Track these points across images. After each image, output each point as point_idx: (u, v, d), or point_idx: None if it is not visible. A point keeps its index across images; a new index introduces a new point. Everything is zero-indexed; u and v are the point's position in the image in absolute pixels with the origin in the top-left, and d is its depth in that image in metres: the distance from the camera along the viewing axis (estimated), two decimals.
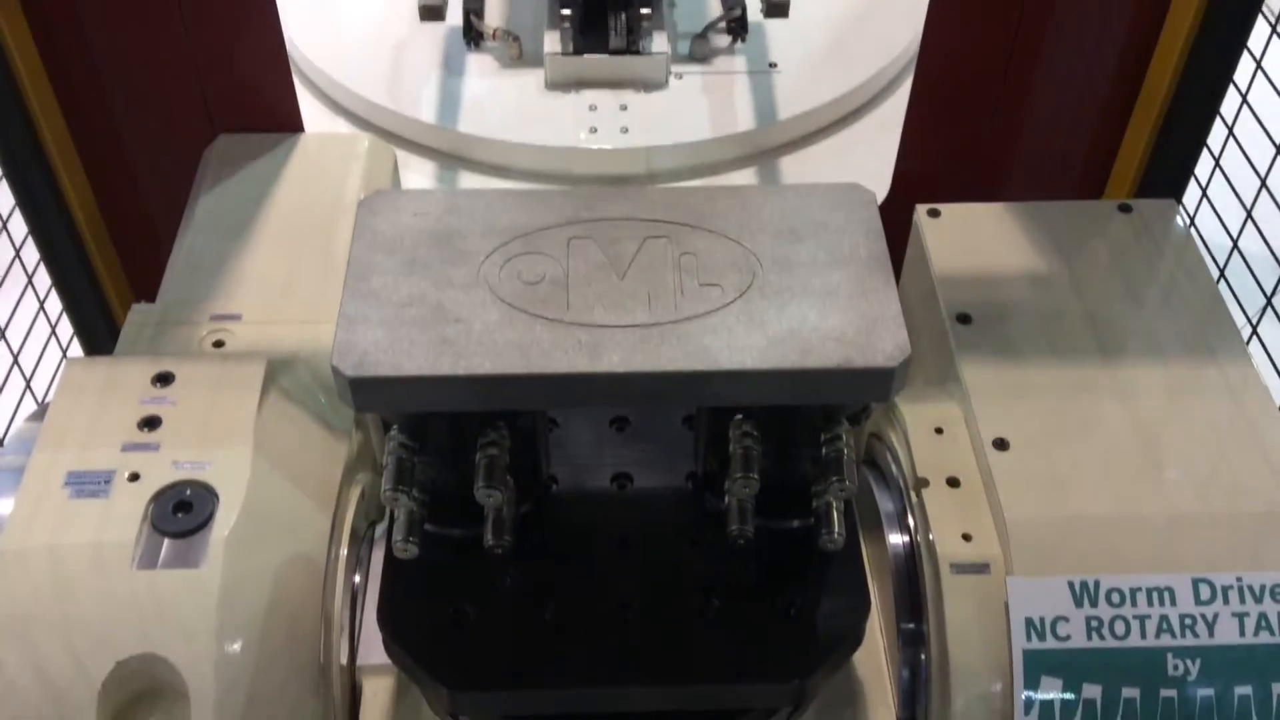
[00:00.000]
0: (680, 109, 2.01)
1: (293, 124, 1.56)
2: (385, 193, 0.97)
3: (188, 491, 0.99)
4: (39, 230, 1.61)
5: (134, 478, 1.00)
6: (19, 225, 1.62)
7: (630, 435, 1.06)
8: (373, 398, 0.86)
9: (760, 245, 0.91)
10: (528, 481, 0.98)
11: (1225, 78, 1.50)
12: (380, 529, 1.13)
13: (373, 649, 1.05)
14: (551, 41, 2.02)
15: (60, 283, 1.68)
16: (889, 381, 0.85)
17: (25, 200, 1.57)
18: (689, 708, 0.96)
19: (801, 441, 0.94)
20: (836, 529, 0.94)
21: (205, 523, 0.98)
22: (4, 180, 1.55)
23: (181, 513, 0.98)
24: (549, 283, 0.88)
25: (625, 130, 1.94)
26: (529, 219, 0.93)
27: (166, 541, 0.97)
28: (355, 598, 1.07)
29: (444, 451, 0.93)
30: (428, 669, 0.93)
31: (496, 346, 0.84)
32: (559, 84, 2.04)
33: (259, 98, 1.54)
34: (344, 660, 1.03)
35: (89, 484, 1.00)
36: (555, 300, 0.87)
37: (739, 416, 0.92)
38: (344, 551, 1.06)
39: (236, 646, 0.95)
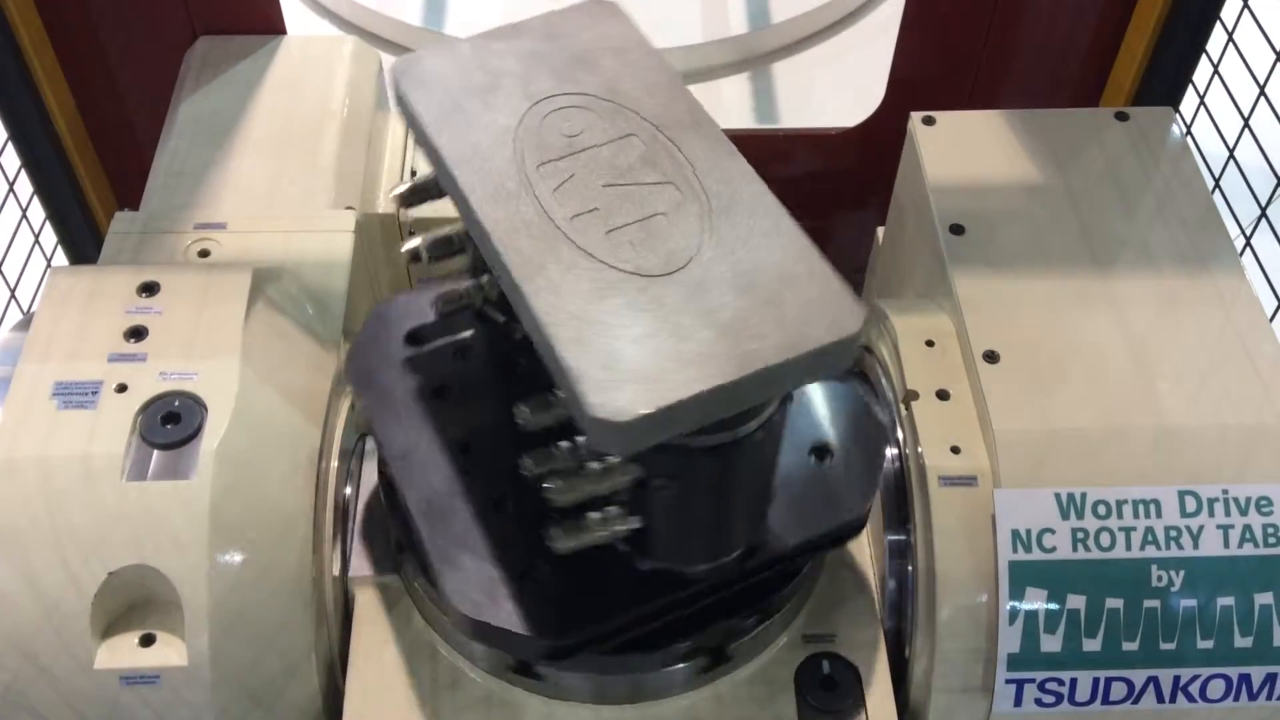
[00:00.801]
0: (673, 12, 1.97)
1: (275, 26, 1.53)
2: (607, 5, 1.02)
3: (176, 403, 0.99)
4: (19, 137, 1.58)
5: (121, 389, 1.00)
6: None
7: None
8: (397, 102, 0.91)
9: (714, 264, 0.84)
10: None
11: None
12: (370, 443, 1.13)
13: (364, 561, 1.06)
14: None
15: (42, 190, 1.66)
16: (595, 430, 0.76)
17: (4, 106, 1.54)
18: None
19: None
20: (556, 538, 0.91)
21: (194, 434, 0.98)
22: None
23: (170, 424, 0.98)
24: (567, 143, 0.88)
25: None
26: (643, 98, 0.92)
27: (156, 453, 0.97)
28: (346, 509, 1.07)
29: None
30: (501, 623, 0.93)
31: (465, 136, 0.87)
32: None
33: None
34: (336, 572, 1.04)
35: (76, 395, 1.00)
36: (547, 154, 0.87)
37: None
38: (334, 463, 1.07)
39: (228, 557, 0.95)
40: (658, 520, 0.90)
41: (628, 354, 0.76)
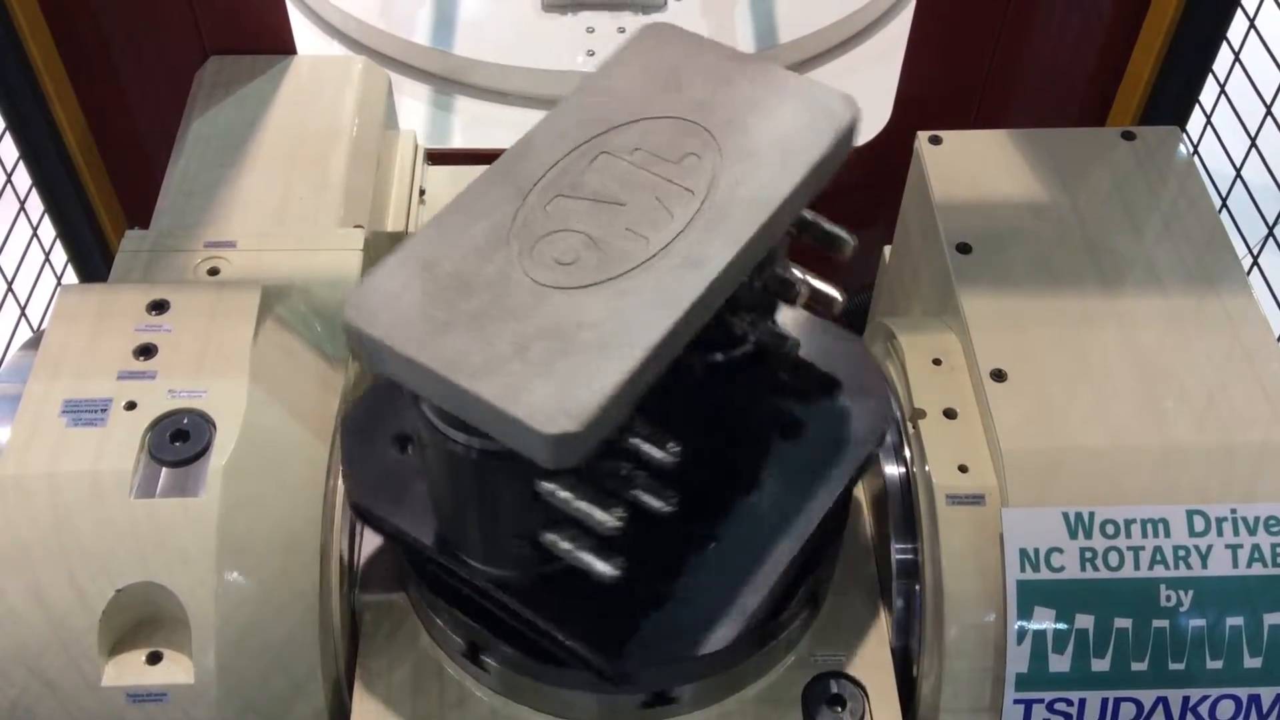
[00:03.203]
0: None
1: (285, 46, 1.54)
2: (359, 293, 0.82)
3: (185, 420, 0.99)
4: (31, 156, 1.59)
5: (130, 406, 1.00)
6: (10, 150, 1.60)
7: None
8: (596, 434, 0.77)
9: (670, 107, 0.91)
10: None
11: (1233, 1, 1.48)
12: None
13: (371, 578, 1.06)
14: None
15: (53, 208, 1.66)
16: (853, 134, 0.88)
17: (16, 125, 1.55)
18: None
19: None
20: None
21: (203, 451, 0.98)
22: None
23: (179, 441, 0.99)
24: (585, 249, 0.83)
25: None
26: (489, 220, 0.85)
27: (164, 470, 0.98)
28: (354, 526, 1.07)
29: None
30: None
31: (636, 318, 0.80)
32: (556, 5, 2.01)
33: (251, 19, 1.51)
34: (343, 589, 1.04)
35: (86, 412, 1.00)
36: (611, 257, 0.83)
37: None
38: (342, 480, 1.07)
39: (236, 574, 0.96)
40: None
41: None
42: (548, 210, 0.85)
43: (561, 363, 0.77)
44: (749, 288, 0.90)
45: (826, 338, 1.06)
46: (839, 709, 1.01)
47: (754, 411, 1.02)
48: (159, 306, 1.08)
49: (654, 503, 0.84)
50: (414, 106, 1.93)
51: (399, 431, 1.00)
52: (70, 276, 1.76)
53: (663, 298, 0.80)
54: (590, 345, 0.77)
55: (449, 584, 0.98)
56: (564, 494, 0.82)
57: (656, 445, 0.82)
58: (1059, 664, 0.98)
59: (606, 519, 0.81)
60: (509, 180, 0.87)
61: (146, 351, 1.04)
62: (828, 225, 0.93)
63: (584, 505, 0.82)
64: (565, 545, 0.85)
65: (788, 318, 1.03)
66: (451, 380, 0.76)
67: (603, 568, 0.83)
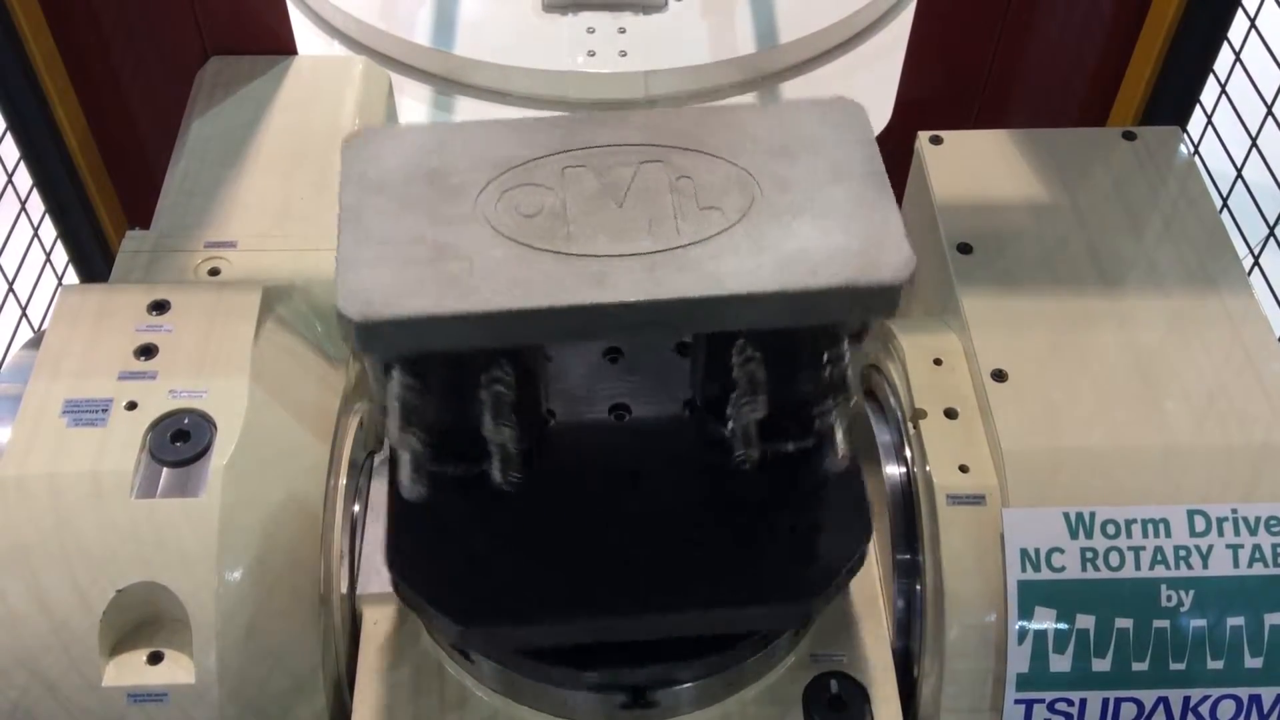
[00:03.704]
0: (679, 32, 1.98)
1: (286, 46, 1.54)
2: (369, 131, 0.94)
3: (185, 420, 1.00)
4: (32, 156, 1.59)
5: (131, 406, 1.00)
6: (11, 150, 1.60)
7: (624, 366, 1.06)
8: (381, 340, 0.83)
9: (756, 164, 0.89)
10: (529, 417, 0.98)
11: (1233, 1, 1.48)
12: (379, 458, 1.13)
13: (372, 578, 1.05)
14: None
15: (54, 208, 1.66)
16: (895, 296, 0.83)
17: (17, 125, 1.55)
18: (698, 633, 0.97)
19: (805, 363, 0.93)
20: (842, 448, 0.94)
21: (204, 452, 0.98)
22: None
23: (180, 442, 0.99)
24: (548, 214, 0.86)
25: (623, 54, 1.91)
26: (520, 150, 0.91)
27: (165, 470, 0.98)
28: (354, 527, 1.08)
29: (448, 391, 0.91)
30: (439, 608, 0.94)
31: (503, 282, 0.82)
32: (556, 5, 2.01)
33: (251, 19, 1.51)
34: (344, 589, 1.04)
35: (86, 412, 1.00)
36: (556, 232, 0.85)
37: (741, 340, 0.91)
38: (343, 481, 1.07)
39: (236, 575, 0.96)
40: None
41: (839, 242, 0.84)
42: (564, 172, 0.88)
43: (409, 270, 0.81)
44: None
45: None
46: (840, 709, 1.01)
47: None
48: (160, 307, 1.08)
49: (495, 469, 0.89)
50: (414, 107, 1.92)
51: None
52: (71, 277, 1.76)
53: (541, 287, 0.81)
54: (447, 274, 0.81)
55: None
56: (394, 385, 0.86)
57: (496, 417, 0.87)
58: (1060, 664, 0.98)
59: (394, 430, 0.87)
60: (568, 132, 0.91)
61: (147, 352, 1.04)
62: (849, 372, 0.91)
63: (394, 404, 0.86)
64: (399, 435, 0.88)
65: None
66: (339, 225, 0.86)
67: (403, 479, 0.89)
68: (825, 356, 0.92)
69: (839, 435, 0.94)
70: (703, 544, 0.97)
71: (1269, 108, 1.58)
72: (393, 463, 0.94)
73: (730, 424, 0.92)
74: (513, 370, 0.90)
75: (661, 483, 1.00)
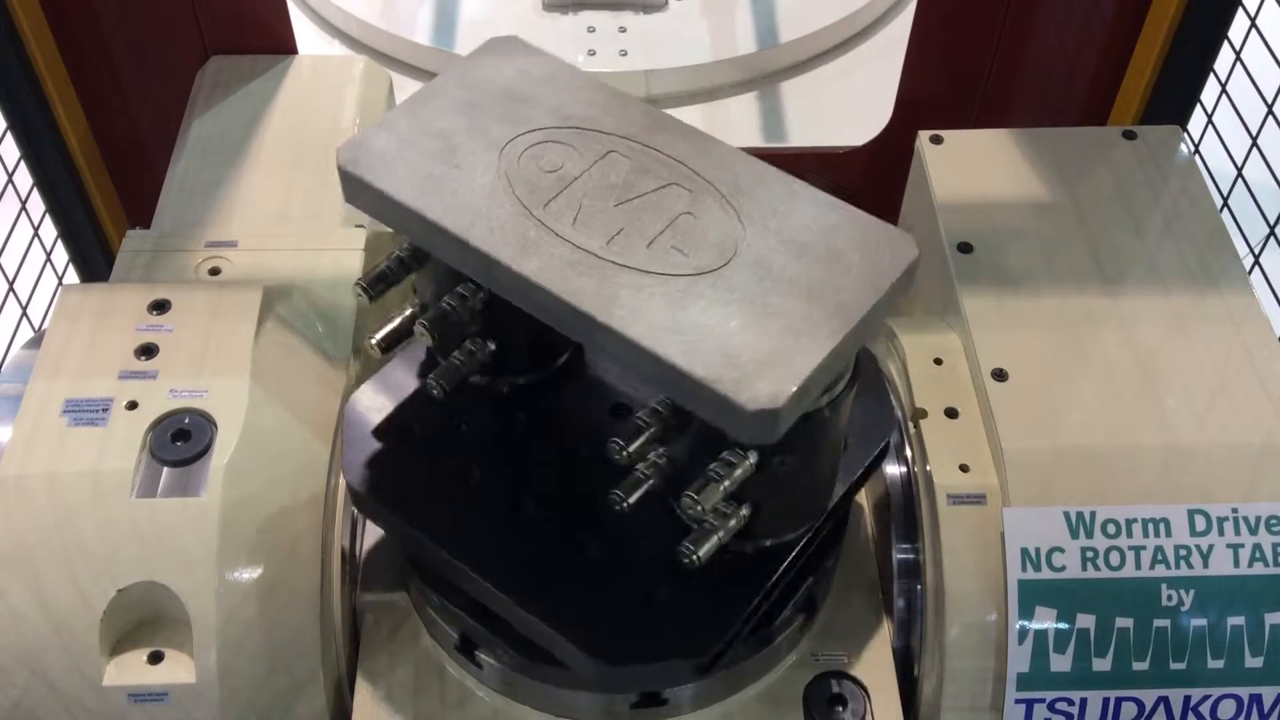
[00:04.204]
0: (680, 31, 1.98)
1: (286, 46, 1.54)
2: (511, 40, 1.00)
3: (186, 420, 1.00)
4: (32, 156, 1.59)
5: (132, 406, 1.00)
6: (12, 150, 1.60)
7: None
8: (354, 193, 0.90)
9: (760, 243, 0.85)
10: (517, 357, 0.99)
11: (1234, 1, 1.48)
12: None
13: (372, 578, 1.06)
14: None
15: (55, 208, 1.66)
16: (744, 421, 0.76)
17: (17, 124, 1.55)
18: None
19: (699, 448, 0.87)
20: (693, 552, 0.84)
21: (204, 451, 0.98)
22: None
23: (180, 441, 0.99)
24: (556, 178, 0.88)
25: (624, 53, 1.92)
26: (598, 116, 0.93)
27: (166, 470, 0.98)
28: (355, 526, 1.08)
29: (435, 285, 0.96)
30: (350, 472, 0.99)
31: (457, 202, 0.86)
32: (557, 4, 2.01)
33: (252, 19, 1.51)
34: (344, 589, 1.04)
35: (87, 412, 1.00)
36: (543, 195, 0.87)
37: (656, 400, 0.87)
38: (343, 480, 1.07)
39: (237, 574, 0.96)
40: (773, 497, 0.90)
41: (742, 346, 0.79)
42: (606, 155, 0.90)
43: (411, 154, 0.89)
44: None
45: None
46: (840, 709, 1.01)
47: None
48: (160, 306, 1.08)
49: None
50: None
51: None
52: (72, 276, 1.76)
53: (480, 223, 0.85)
54: (429, 173, 0.88)
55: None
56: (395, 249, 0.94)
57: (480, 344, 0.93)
58: (1060, 663, 0.98)
59: (423, 329, 0.93)
60: (648, 123, 0.93)
61: (148, 351, 1.04)
62: (723, 485, 0.84)
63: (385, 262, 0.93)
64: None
65: None
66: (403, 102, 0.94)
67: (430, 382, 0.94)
68: (720, 453, 0.85)
69: (700, 534, 0.86)
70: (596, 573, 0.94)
71: (1269, 107, 1.58)
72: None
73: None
74: (477, 292, 0.93)
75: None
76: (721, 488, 0.83)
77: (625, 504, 0.86)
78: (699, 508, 0.83)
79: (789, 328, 0.80)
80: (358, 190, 0.90)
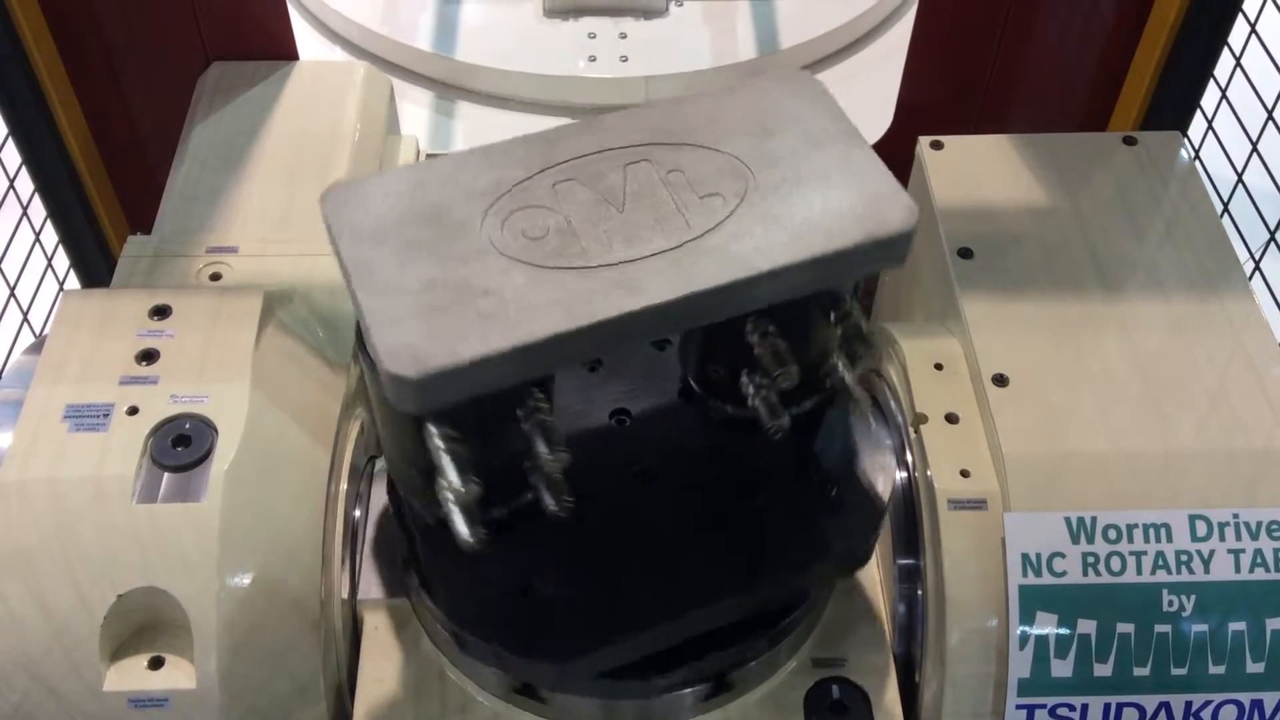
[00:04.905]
0: (680, 37, 1.98)
1: (287, 51, 1.54)
2: (345, 184, 0.89)
3: (187, 425, 1.00)
4: (33, 161, 1.59)
5: (133, 411, 1.00)
6: (13, 155, 1.60)
7: (606, 373, 1.06)
8: (438, 393, 0.78)
9: (738, 146, 0.90)
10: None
11: (1234, 6, 1.48)
12: (380, 464, 1.13)
13: (372, 584, 1.06)
14: None
15: (56, 213, 1.66)
16: (907, 244, 0.86)
17: (19, 130, 1.55)
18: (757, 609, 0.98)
19: (816, 324, 0.94)
20: (857, 393, 0.94)
21: (205, 456, 0.98)
22: None
23: (181, 446, 0.99)
24: (556, 233, 0.85)
25: (624, 59, 1.92)
26: (503, 174, 0.88)
27: (166, 475, 0.98)
28: (355, 532, 1.08)
29: (489, 431, 0.88)
30: (499, 641, 0.92)
31: (540, 308, 0.79)
32: (557, 11, 2.01)
33: (253, 24, 1.51)
34: (344, 594, 1.04)
35: (88, 417, 1.00)
36: (570, 248, 0.83)
37: (752, 318, 0.89)
38: (344, 486, 1.07)
39: (237, 580, 0.96)
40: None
41: (842, 206, 0.87)
42: (555, 188, 0.86)
43: (442, 316, 0.78)
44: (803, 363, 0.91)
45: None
46: (841, 714, 1.01)
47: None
48: (161, 312, 1.08)
49: (547, 499, 0.84)
50: (416, 112, 1.93)
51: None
52: (73, 282, 1.76)
53: (578, 305, 0.79)
54: (480, 312, 0.78)
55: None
56: (437, 440, 0.82)
57: (549, 444, 0.83)
58: (1061, 669, 0.98)
59: (455, 481, 0.81)
60: (545, 148, 0.89)
61: (148, 356, 1.04)
62: (862, 322, 0.93)
63: (446, 459, 0.81)
64: (443, 493, 0.83)
65: None
66: (352, 285, 0.80)
67: (463, 530, 0.82)
68: (833, 315, 0.93)
69: (853, 382, 0.94)
70: (742, 524, 0.97)
71: (1269, 112, 1.58)
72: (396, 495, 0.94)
73: (752, 400, 0.91)
74: (545, 396, 0.88)
75: (684, 474, 1.00)
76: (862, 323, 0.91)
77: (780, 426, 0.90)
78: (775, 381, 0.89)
79: (839, 170, 0.88)
80: (443, 386, 0.77)
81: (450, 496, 0.82)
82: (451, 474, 0.82)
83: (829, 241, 0.83)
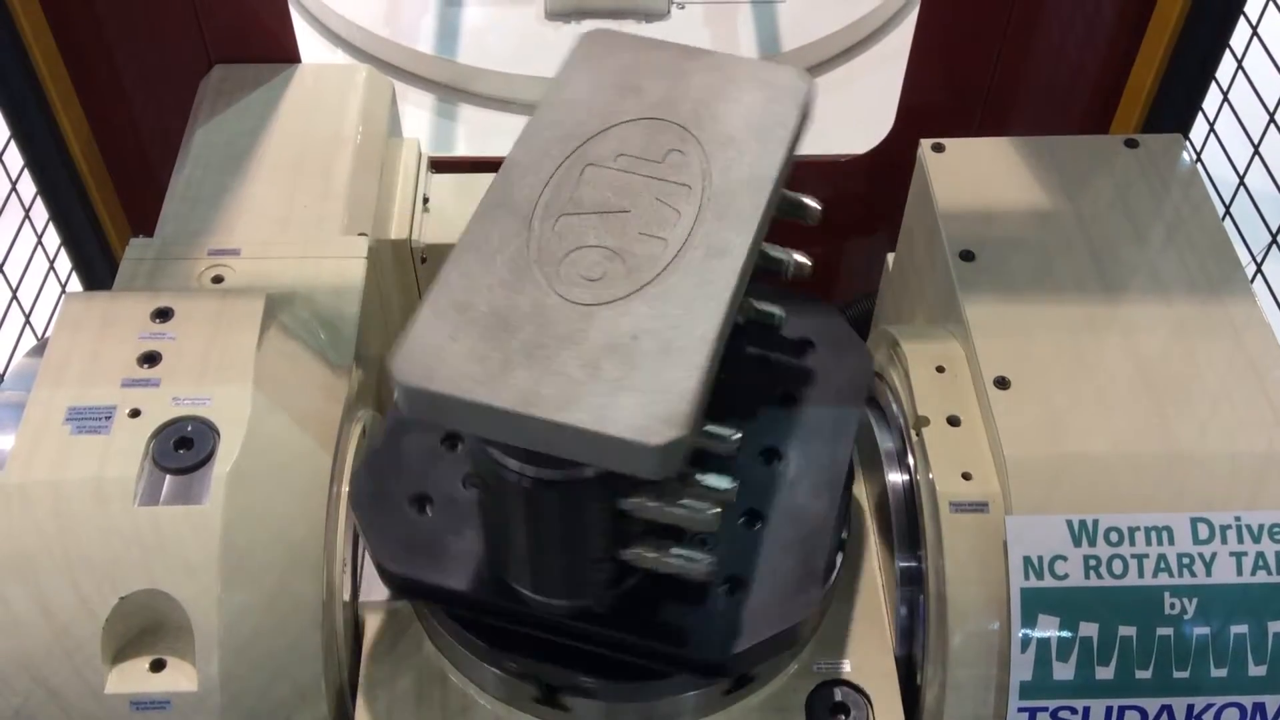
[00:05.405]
0: (682, 40, 1.98)
1: (289, 54, 1.54)
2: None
3: (189, 428, 1.00)
4: (35, 164, 1.59)
5: (135, 414, 1.00)
6: (15, 158, 1.60)
7: None
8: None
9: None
10: None
11: (1236, 8, 1.48)
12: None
13: (374, 586, 1.05)
14: None
15: (58, 216, 1.67)
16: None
17: (21, 133, 1.55)
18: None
19: None
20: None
21: (207, 459, 0.98)
22: None
23: (183, 449, 0.99)
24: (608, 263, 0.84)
25: None
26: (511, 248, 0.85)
27: (168, 478, 0.98)
28: (356, 534, 1.07)
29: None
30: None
31: None
32: (558, 14, 2.01)
33: (255, 27, 1.52)
34: (346, 596, 1.04)
35: (90, 420, 1.00)
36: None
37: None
38: (345, 488, 1.07)
39: (239, 582, 0.96)
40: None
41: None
42: (557, 231, 0.85)
43: (636, 375, 0.76)
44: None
45: (793, 303, 1.05)
46: (843, 717, 1.01)
47: (751, 386, 1.04)
48: (163, 314, 1.08)
49: (713, 492, 0.84)
50: (418, 114, 1.93)
51: (416, 493, 0.99)
52: (75, 284, 1.76)
53: (703, 291, 0.80)
54: (654, 352, 0.77)
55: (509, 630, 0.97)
56: (653, 504, 0.83)
57: (716, 433, 0.83)
58: (1063, 672, 0.98)
59: (707, 510, 0.82)
60: (508, 210, 0.86)
61: (150, 359, 1.04)
62: (794, 195, 0.95)
63: (679, 509, 0.83)
64: (652, 555, 0.86)
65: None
66: (535, 416, 0.74)
67: (701, 561, 0.86)
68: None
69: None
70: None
71: (1271, 115, 1.58)
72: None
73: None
74: None
75: None
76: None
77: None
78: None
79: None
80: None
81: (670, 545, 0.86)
82: (701, 508, 0.83)
83: (783, 128, 0.87)
